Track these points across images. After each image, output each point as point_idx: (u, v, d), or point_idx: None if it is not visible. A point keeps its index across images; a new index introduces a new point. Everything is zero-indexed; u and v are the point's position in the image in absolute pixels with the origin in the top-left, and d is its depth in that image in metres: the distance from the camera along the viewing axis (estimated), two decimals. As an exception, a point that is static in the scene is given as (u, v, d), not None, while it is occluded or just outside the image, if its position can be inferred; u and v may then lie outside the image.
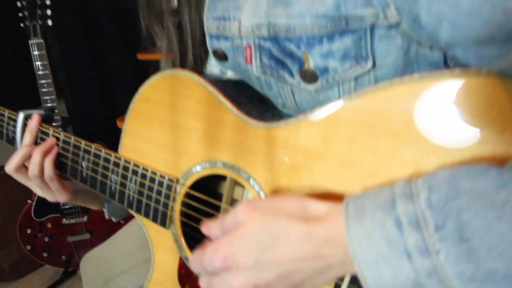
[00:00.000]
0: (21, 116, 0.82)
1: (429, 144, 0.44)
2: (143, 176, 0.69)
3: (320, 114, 0.53)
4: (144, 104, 0.70)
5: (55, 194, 0.80)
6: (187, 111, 0.65)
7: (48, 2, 1.62)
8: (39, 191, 0.82)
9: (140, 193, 0.70)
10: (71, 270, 2.02)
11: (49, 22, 1.65)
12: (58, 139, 0.79)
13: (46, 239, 1.87)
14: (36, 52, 1.64)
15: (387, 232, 0.36)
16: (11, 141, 0.86)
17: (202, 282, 0.50)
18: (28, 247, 1.87)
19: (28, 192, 1.82)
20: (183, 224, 0.69)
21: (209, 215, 0.70)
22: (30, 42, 1.62)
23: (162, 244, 0.71)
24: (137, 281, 1.13)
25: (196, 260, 0.48)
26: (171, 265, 0.70)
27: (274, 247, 0.42)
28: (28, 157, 0.78)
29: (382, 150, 0.49)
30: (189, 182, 0.67)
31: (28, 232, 1.85)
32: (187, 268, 0.69)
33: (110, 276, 1.15)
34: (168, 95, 0.66)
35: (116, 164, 0.72)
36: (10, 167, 0.79)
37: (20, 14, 1.59)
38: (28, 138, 0.80)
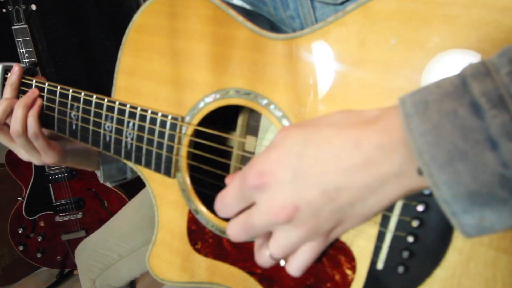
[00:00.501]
0: (-1, 68, 0.72)
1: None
2: (142, 118, 0.59)
3: (355, 12, 0.44)
4: (139, 35, 0.59)
5: (42, 155, 0.70)
6: (190, 34, 0.55)
7: (29, -14, 1.53)
8: (23, 154, 0.72)
9: (140, 139, 0.60)
10: (67, 271, 1.90)
11: (33, 7, 1.55)
12: (42, 90, 0.69)
13: (39, 239, 1.76)
14: (20, 39, 1.54)
15: (461, 121, 0.29)
16: None
17: (235, 225, 0.42)
18: (21, 248, 1.75)
19: (19, 190, 1.71)
20: (192, 169, 0.59)
21: (222, 154, 0.60)
22: (13, 28, 1.53)
23: (167, 198, 0.61)
24: (138, 266, 1.03)
25: (227, 195, 0.42)
26: (179, 221, 0.60)
27: (316, 157, 0.36)
28: (10, 112, 0.68)
29: (436, 44, 0.40)
30: (197, 119, 0.56)
31: (20, 232, 1.73)
32: (197, 222, 0.58)
33: (108, 262, 1.04)
34: (166, 18, 0.56)
35: (110, 109, 0.62)
36: None
37: (1, -1, 1.50)
38: (9, 91, 0.70)
